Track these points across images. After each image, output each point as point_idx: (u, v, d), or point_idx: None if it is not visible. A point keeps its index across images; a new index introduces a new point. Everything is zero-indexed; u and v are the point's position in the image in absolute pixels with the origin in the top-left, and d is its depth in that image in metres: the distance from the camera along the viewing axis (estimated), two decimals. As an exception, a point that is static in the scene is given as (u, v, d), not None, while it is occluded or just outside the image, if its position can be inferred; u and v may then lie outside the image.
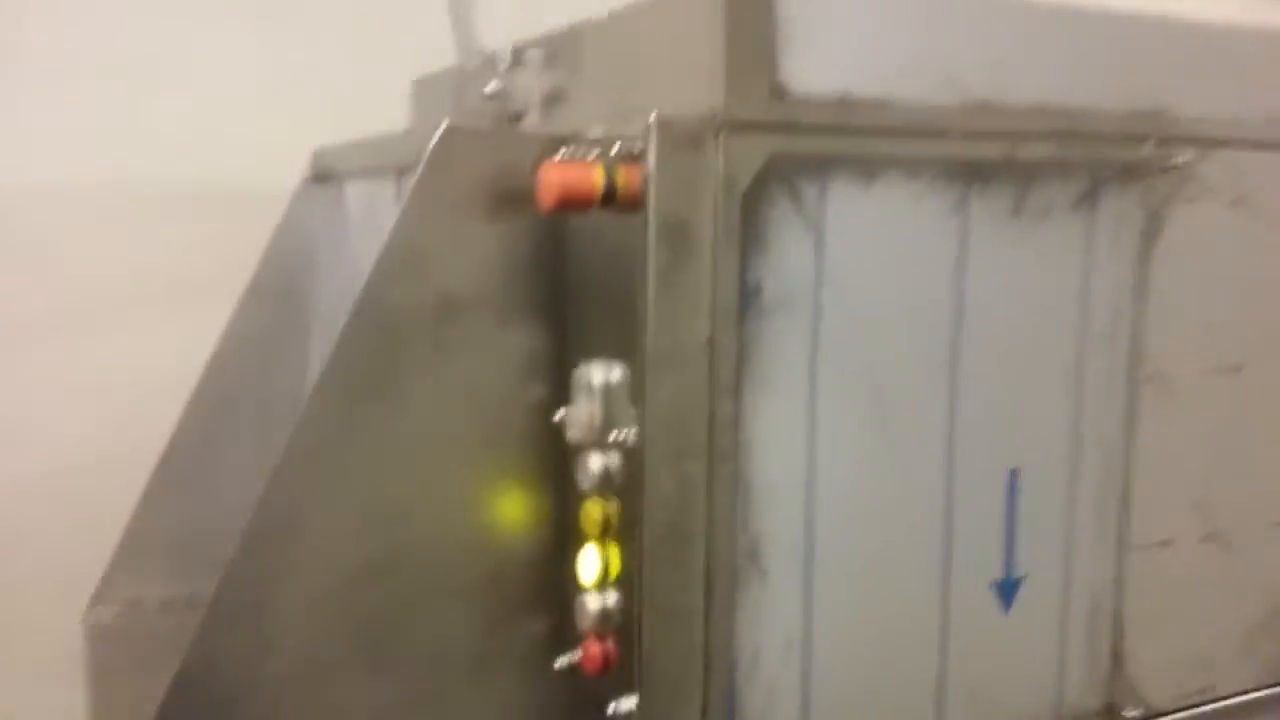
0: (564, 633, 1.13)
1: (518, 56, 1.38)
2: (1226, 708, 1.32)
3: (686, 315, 1.00)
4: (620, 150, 1.00)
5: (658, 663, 1.03)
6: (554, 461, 1.12)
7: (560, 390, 1.11)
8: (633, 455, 1.02)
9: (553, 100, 1.35)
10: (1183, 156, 1.19)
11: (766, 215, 1.01)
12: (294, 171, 1.68)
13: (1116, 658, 1.24)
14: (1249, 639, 1.33)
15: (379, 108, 1.76)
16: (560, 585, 1.14)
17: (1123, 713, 1.25)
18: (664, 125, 0.97)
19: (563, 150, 1.07)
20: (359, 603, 1.08)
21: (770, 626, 1.06)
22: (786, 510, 1.05)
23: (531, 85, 1.37)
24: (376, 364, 1.06)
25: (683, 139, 0.98)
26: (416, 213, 1.06)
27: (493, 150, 1.09)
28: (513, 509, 1.15)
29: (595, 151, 1.03)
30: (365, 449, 1.06)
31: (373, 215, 1.38)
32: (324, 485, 1.06)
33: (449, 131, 1.05)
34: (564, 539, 1.14)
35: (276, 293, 1.65)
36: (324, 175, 1.59)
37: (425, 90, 1.77)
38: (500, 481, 1.13)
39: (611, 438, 1.01)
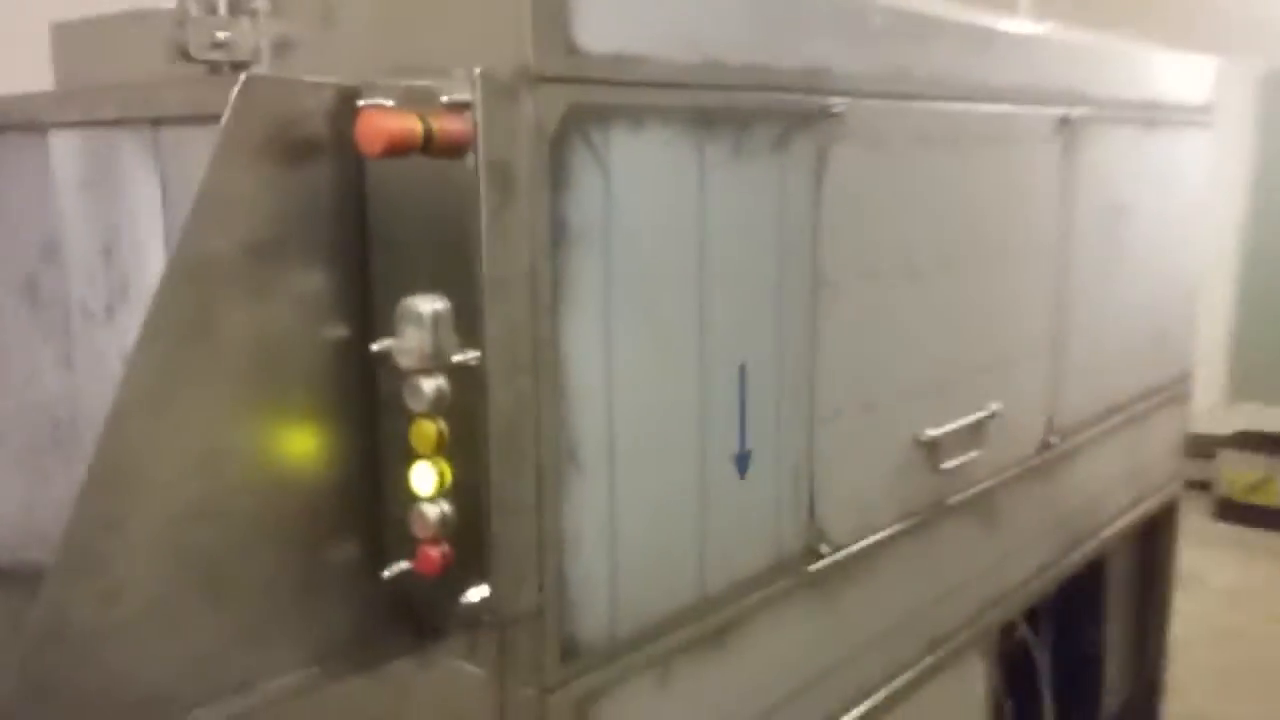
0: (381, 548, 1.23)
1: (239, 4, 1.39)
2: (881, 539, 1.71)
3: (513, 249, 1.13)
4: (440, 100, 1.10)
5: (503, 555, 1.17)
6: (358, 394, 1.21)
7: (363, 327, 1.20)
8: (465, 376, 1.14)
9: (281, 49, 1.38)
10: (838, 106, 1.51)
11: (569, 159, 1.17)
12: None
13: (811, 509, 1.56)
14: (889, 485, 1.73)
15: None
16: (369, 506, 1.23)
17: (819, 550, 1.58)
18: (488, 78, 1.09)
19: (362, 100, 1.15)
20: (195, 544, 1.11)
21: (588, 513, 1.24)
22: (594, 413, 1.23)
23: (260, 33, 1.39)
24: (192, 311, 1.08)
25: (503, 91, 1.10)
26: (223, 162, 1.08)
27: (291, 99, 1.13)
28: (319, 442, 1.21)
29: (390, 100, 1.13)
30: (187, 394, 1.09)
31: (115, 165, 1.32)
32: (153, 432, 1.07)
33: (249, 81, 1.09)
34: (371, 464, 1.23)
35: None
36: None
37: (68, 37, 1.68)
38: (307, 418, 1.19)
39: (454, 360, 1.12)
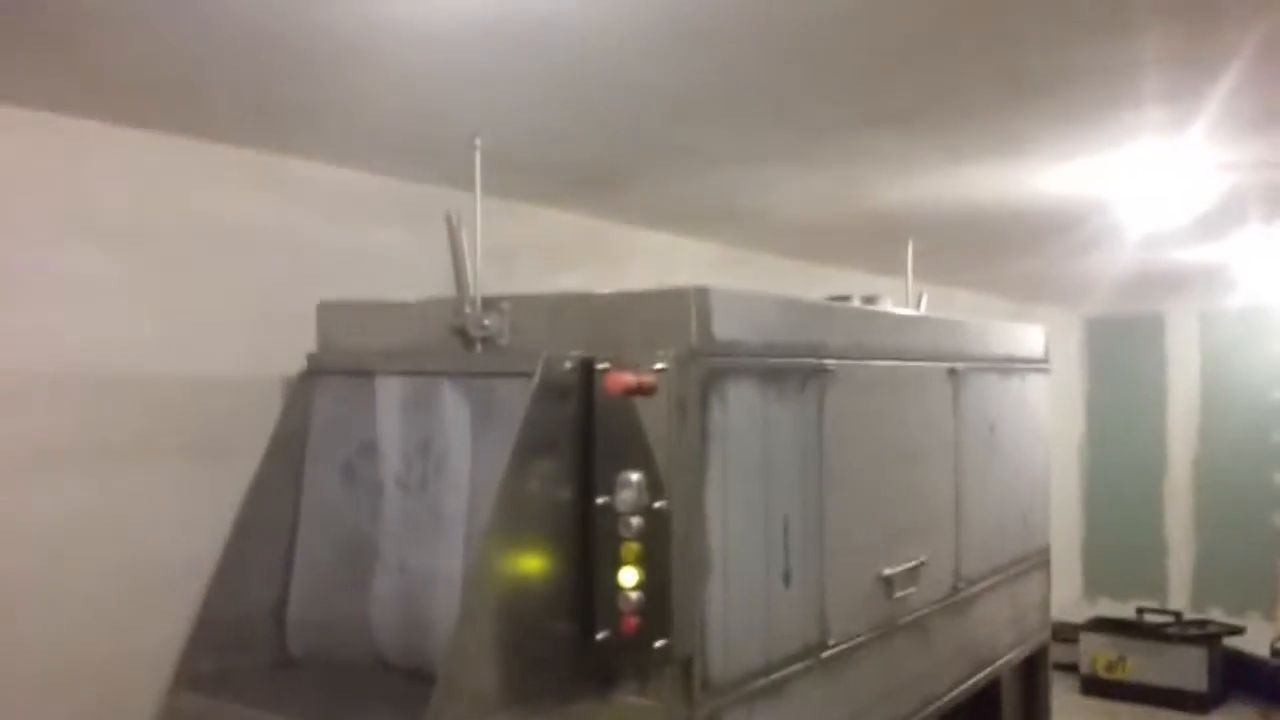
0: (591, 623, 2.09)
1: (491, 304, 2.34)
2: (861, 641, 2.62)
3: (682, 445, 2.08)
4: (644, 366, 2.07)
5: (674, 618, 2.05)
6: (578, 531, 2.11)
7: (585, 491, 2.11)
8: (656, 517, 2.05)
9: (515, 331, 2.32)
10: (830, 365, 2.53)
11: (710, 396, 2.13)
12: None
13: (822, 613, 2.48)
14: (864, 603, 2.65)
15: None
16: (582, 598, 2.10)
17: (828, 643, 2.48)
18: (673, 354, 2.06)
19: (601, 364, 2.10)
20: (505, 621, 1.96)
21: (714, 598, 2.13)
22: (717, 538, 2.15)
23: (504, 321, 2.34)
24: (518, 487, 1.98)
25: (679, 361, 2.08)
26: (536, 398, 2.01)
27: (561, 363, 2.08)
28: (559, 560, 2.10)
29: (607, 365, 2.09)
30: (512, 539, 1.98)
31: (421, 404, 2.24)
32: (496, 566, 1.95)
33: (548, 358, 2.04)
34: (586, 572, 2.11)
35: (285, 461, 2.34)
36: (327, 370, 2.37)
37: (329, 314, 2.59)
38: (555, 546, 2.08)
39: (653, 506, 2.04)
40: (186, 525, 2.58)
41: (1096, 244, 4.42)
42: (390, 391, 2.27)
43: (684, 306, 2.11)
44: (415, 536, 2.19)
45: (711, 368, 2.13)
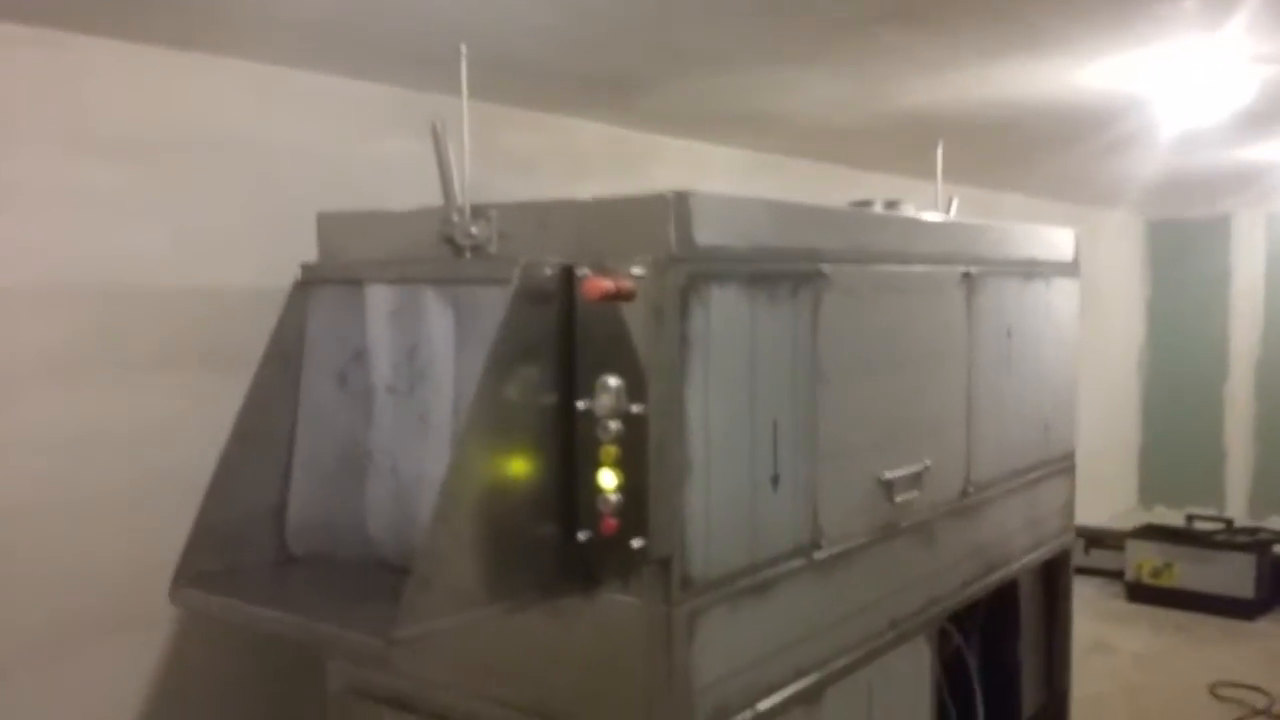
0: (574, 523, 2.14)
1: (479, 212, 2.36)
2: (858, 545, 2.65)
3: (660, 350, 2.09)
4: (623, 272, 2.08)
5: (652, 520, 2.09)
6: (560, 433, 2.14)
7: (568, 395, 2.14)
8: (634, 420, 2.08)
9: (503, 240, 2.35)
10: (826, 270, 2.51)
11: (689, 302, 2.14)
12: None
13: (815, 516, 2.50)
14: (862, 508, 2.68)
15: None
16: (565, 499, 2.15)
17: (820, 544, 2.51)
18: (651, 261, 2.07)
19: (581, 271, 2.12)
20: (486, 520, 2.02)
21: (695, 500, 2.17)
22: (699, 442, 2.17)
23: (492, 229, 2.36)
24: (495, 391, 2.02)
25: (658, 267, 2.08)
26: (514, 305, 2.04)
27: (541, 270, 2.10)
28: (541, 462, 2.14)
29: (587, 271, 2.10)
30: (491, 442, 2.02)
31: (408, 311, 2.28)
32: (474, 464, 1.99)
33: (526, 264, 2.06)
34: (568, 474, 2.15)
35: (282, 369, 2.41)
36: (321, 279, 2.42)
37: (329, 224, 2.63)
38: (535, 448, 2.12)
39: (630, 410, 2.07)
40: (203, 434, 2.68)
41: (1133, 143, 4.27)
42: (379, 300, 2.32)
43: (663, 212, 2.11)
44: (405, 441, 2.26)
45: (691, 273, 2.14)
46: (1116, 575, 6.95)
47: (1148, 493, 8.63)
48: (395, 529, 2.28)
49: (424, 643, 1.98)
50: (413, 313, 2.27)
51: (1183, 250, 8.55)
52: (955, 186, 5.00)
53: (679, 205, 2.11)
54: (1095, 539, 7.25)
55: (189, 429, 2.68)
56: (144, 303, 2.71)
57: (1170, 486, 8.38)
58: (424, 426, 2.22)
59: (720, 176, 4.48)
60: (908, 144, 4.21)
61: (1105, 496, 8.15)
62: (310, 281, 2.39)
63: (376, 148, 3.15)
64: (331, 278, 2.40)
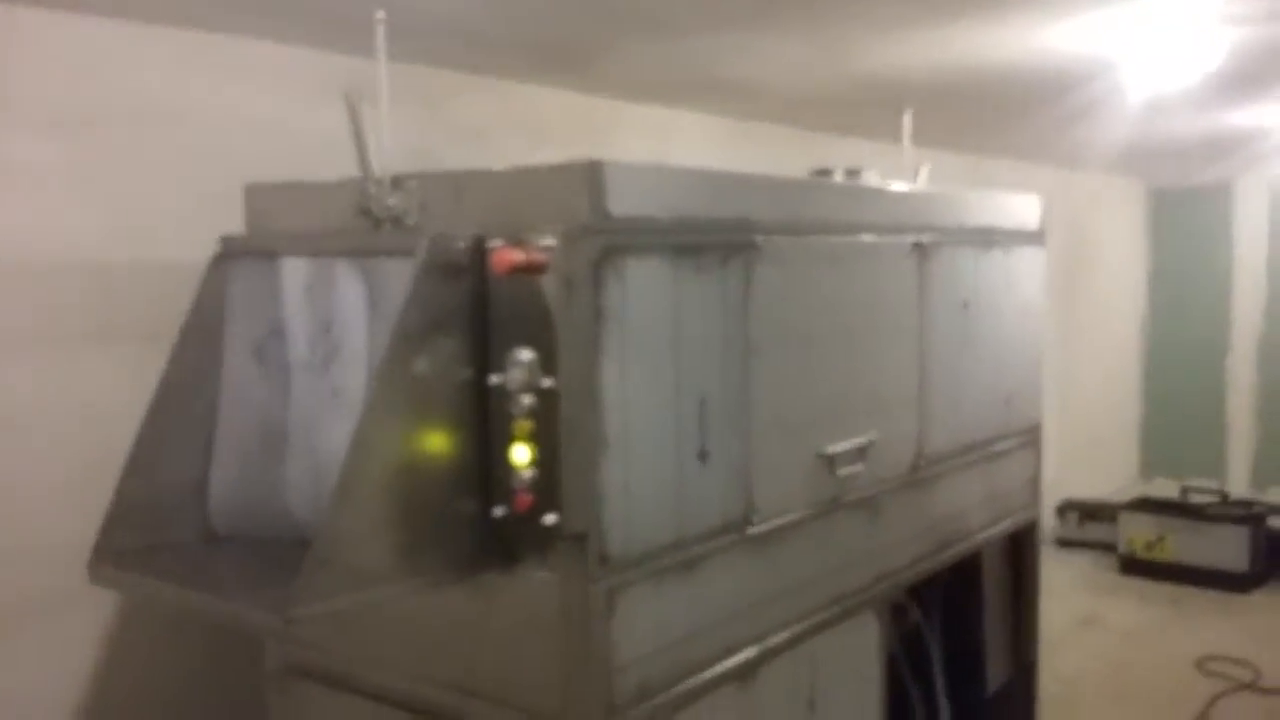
0: (488, 500, 2.11)
1: (399, 183, 2.32)
2: (796, 519, 2.61)
3: (573, 323, 2.05)
4: (535, 243, 2.03)
5: (565, 497, 2.05)
6: (475, 408, 2.11)
7: (482, 369, 2.10)
8: (546, 395, 2.04)
9: (423, 210, 2.31)
10: (758, 240, 2.45)
11: (604, 274, 2.09)
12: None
13: (749, 491, 2.46)
14: (800, 482, 2.63)
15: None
16: (480, 475, 2.11)
17: (752, 520, 2.47)
18: (563, 232, 2.02)
19: (489, 242, 2.08)
20: (395, 497, 1.99)
21: (612, 477, 2.13)
22: (616, 419, 2.13)
23: (411, 201, 2.32)
24: (401, 364, 1.98)
25: (570, 238, 2.03)
26: (422, 277, 2.00)
27: (452, 243, 2.06)
28: (454, 437, 2.11)
29: (503, 242, 2.05)
30: (397, 417, 1.99)
31: (322, 285, 2.25)
32: (379, 438, 1.96)
33: (435, 236, 2.02)
34: (483, 450, 2.12)
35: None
36: (240, 253, 2.39)
37: (256, 195, 2.59)
38: (449, 423, 2.09)
39: (542, 385, 2.03)
40: (141, 412, 2.65)
41: (1099, 106, 4.17)
42: (294, 273, 2.28)
43: (575, 182, 2.06)
44: (321, 417, 2.23)
45: (606, 245, 2.09)
46: (1110, 548, 6.88)
47: (1149, 466, 8.53)
48: (315, 507, 2.25)
49: (331, 621, 1.96)
50: (326, 286, 2.23)
51: (1185, 219, 8.41)
52: (938, 153, 4.92)
53: (592, 174, 2.06)
54: (1089, 512, 7.18)
55: (126, 406, 2.65)
56: (78, 279, 2.69)
57: (1171, 459, 8.28)
58: (338, 403, 2.19)
59: (689, 144, 4.42)
60: (876, 110, 4.13)
61: (1106, 469, 8.06)
62: (229, 255, 2.36)
63: (316, 116, 3.10)
64: (250, 250, 2.36)
